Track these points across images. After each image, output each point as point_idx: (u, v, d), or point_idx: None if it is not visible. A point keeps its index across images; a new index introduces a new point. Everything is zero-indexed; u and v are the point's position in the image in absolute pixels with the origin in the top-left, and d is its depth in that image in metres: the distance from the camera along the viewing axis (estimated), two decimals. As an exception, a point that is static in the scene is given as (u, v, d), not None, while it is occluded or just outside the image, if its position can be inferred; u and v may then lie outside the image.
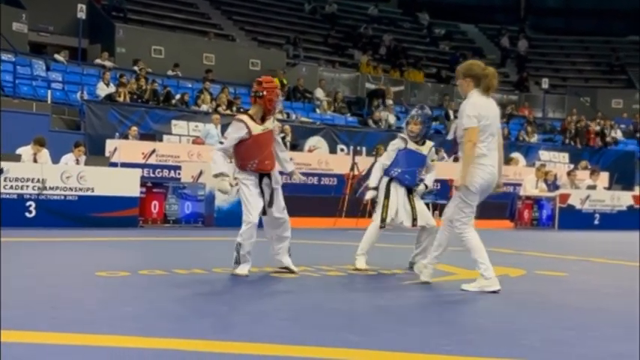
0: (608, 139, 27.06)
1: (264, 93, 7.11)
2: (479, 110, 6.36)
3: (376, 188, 8.00)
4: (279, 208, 7.22)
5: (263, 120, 7.15)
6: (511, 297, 6.43)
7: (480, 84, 6.47)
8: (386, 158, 8.03)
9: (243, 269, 7.03)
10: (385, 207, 7.86)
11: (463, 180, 6.38)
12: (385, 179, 7.95)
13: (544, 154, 24.52)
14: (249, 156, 7.09)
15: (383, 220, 7.85)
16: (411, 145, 7.94)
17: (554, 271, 8.35)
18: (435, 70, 30.18)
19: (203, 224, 13.36)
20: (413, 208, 7.89)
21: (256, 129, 7.09)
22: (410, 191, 7.95)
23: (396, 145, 8.01)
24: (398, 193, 7.90)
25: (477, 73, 6.49)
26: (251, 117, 7.13)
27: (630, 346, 4.54)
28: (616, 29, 36.64)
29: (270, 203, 7.15)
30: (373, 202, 8.16)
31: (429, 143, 8.16)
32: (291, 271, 7.33)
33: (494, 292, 6.32)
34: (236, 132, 7.08)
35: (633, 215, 18.33)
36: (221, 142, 7.18)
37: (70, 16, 21.81)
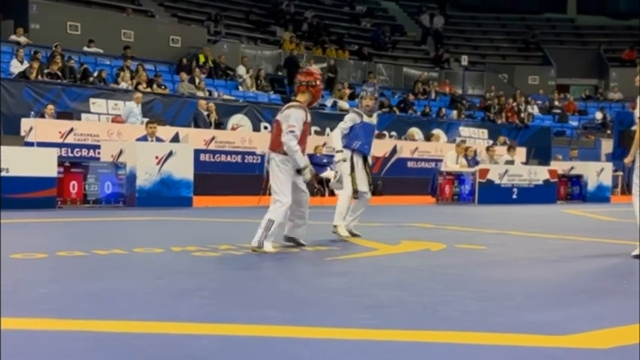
0: (523, 115, 27.71)
1: (317, 83, 7.27)
2: None
3: (342, 151, 8.52)
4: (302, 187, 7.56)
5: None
6: (431, 270, 6.55)
7: None
8: (344, 128, 8.57)
9: (269, 247, 7.24)
10: (354, 179, 8.52)
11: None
12: (347, 153, 8.54)
13: (464, 130, 24.99)
14: (299, 142, 7.21)
15: (355, 191, 8.52)
16: (366, 119, 8.64)
17: (474, 245, 8.52)
18: (356, 47, 30.28)
19: (124, 204, 13.13)
20: (368, 175, 8.66)
21: (308, 117, 7.29)
22: (365, 159, 8.65)
23: (351, 118, 8.63)
24: (358, 164, 8.59)
25: None
26: (303, 105, 7.27)
27: (544, 314, 4.68)
28: (532, 6, 37.47)
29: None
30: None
31: (375, 113, 8.88)
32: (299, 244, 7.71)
33: None
34: (301, 118, 7.16)
35: (549, 189, 18.90)
36: (292, 131, 7.10)
37: (-19, -10, 21.04)
